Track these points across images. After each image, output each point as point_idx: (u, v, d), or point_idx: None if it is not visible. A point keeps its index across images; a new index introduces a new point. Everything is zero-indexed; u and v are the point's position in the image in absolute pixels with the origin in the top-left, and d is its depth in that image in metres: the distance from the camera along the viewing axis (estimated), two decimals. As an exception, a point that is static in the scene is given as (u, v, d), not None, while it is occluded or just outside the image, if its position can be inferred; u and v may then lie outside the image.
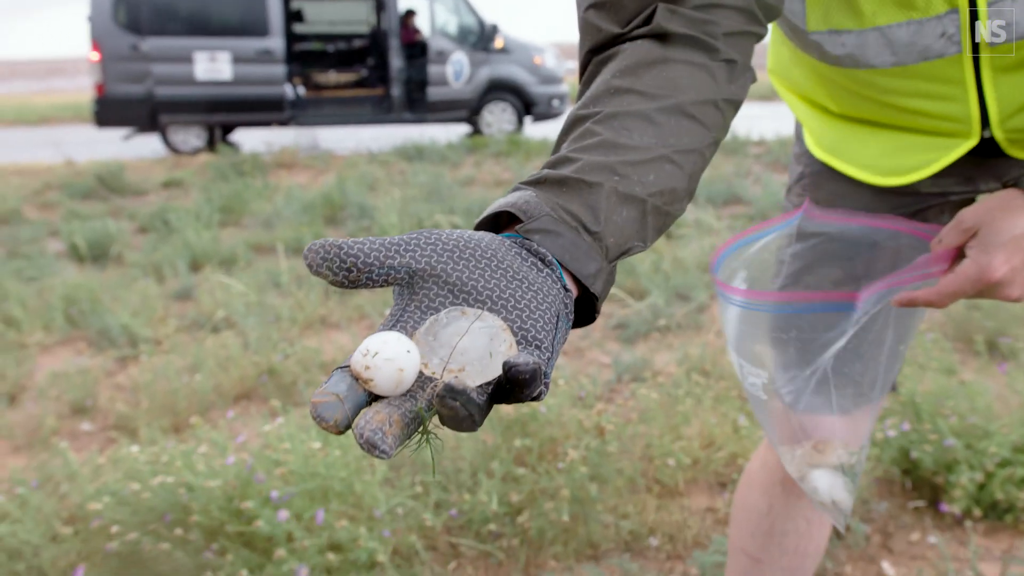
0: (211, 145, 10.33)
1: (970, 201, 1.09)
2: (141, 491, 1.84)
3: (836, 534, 1.96)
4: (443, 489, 2.02)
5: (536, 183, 0.61)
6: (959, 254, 0.88)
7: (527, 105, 10.75)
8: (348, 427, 0.47)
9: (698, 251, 4.37)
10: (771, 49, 1.14)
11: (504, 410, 2.15)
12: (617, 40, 0.70)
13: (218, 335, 3.39)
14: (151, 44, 9.86)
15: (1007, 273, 0.82)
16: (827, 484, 1.06)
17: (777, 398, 1.08)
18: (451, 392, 0.46)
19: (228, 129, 10.91)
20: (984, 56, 0.85)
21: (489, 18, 10.86)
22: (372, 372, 0.48)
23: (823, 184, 1.10)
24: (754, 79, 0.73)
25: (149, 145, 11.17)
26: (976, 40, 0.84)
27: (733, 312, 1.04)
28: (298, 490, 1.79)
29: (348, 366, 0.49)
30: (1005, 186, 1.02)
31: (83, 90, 24.22)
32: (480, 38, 10.63)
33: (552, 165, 0.62)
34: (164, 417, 2.65)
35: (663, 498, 2.11)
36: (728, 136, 8.81)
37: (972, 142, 0.93)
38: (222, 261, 4.75)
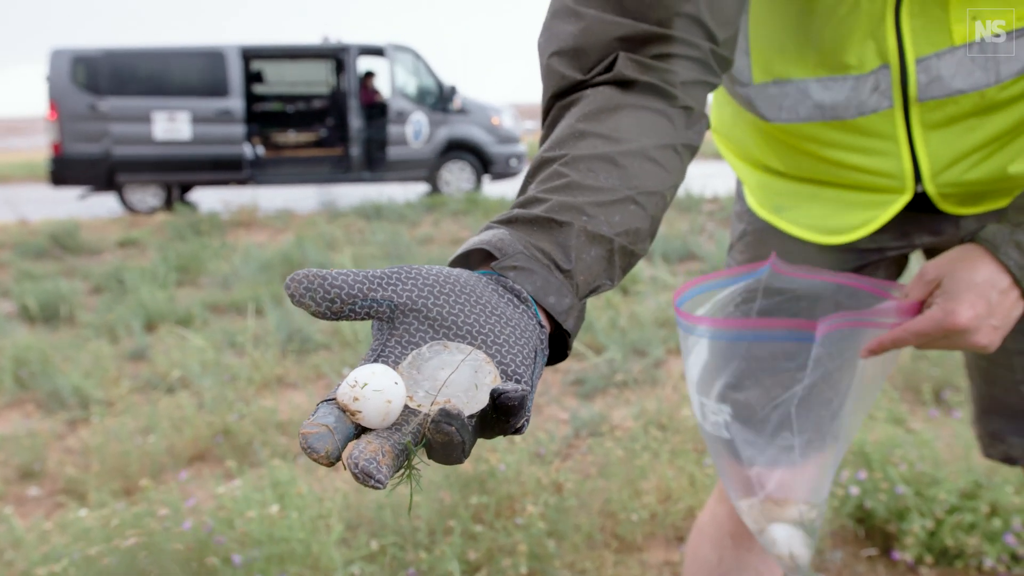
0: (168, 204, 10.28)
1: (905, 257, 1.14)
2: (98, 555, 1.80)
3: (792, 586, 1.97)
4: (400, 548, 2.00)
5: (508, 222, 0.62)
6: (921, 308, 0.91)
7: (485, 164, 10.88)
8: (338, 458, 0.47)
9: (654, 307, 4.43)
10: (714, 109, 1.19)
11: (462, 468, 2.14)
12: (580, 86, 0.73)
13: (172, 396, 3.34)
14: (109, 104, 9.86)
15: (972, 319, 0.84)
16: (785, 537, 1.06)
17: (735, 456, 1.09)
18: (447, 417, 0.46)
19: (186, 188, 10.88)
20: (914, 112, 0.90)
21: (448, 80, 11.03)
22: (361, 404, 0.47)
23: (766, 241, 1.13)
24: (708, 125, 0.77)
25: (105, 204, 11.07)
26: (907, 96, 0.89)
27: (696, 347, 1.04)
28: (260, 554, 1.76)
29: (334, 399, 0.49)
30: (946, 242, 1.06)
31: (39, 149, 24.00)
32: (439, 99, 10.79)
33: (522, 205, 0.64)
34: (115, 480, 2.60)
35: (621, 553, 2.11)
36: (682, 194, 9.01)
37: (906, 197, 0.97)
38: (178, 321, 4.69)
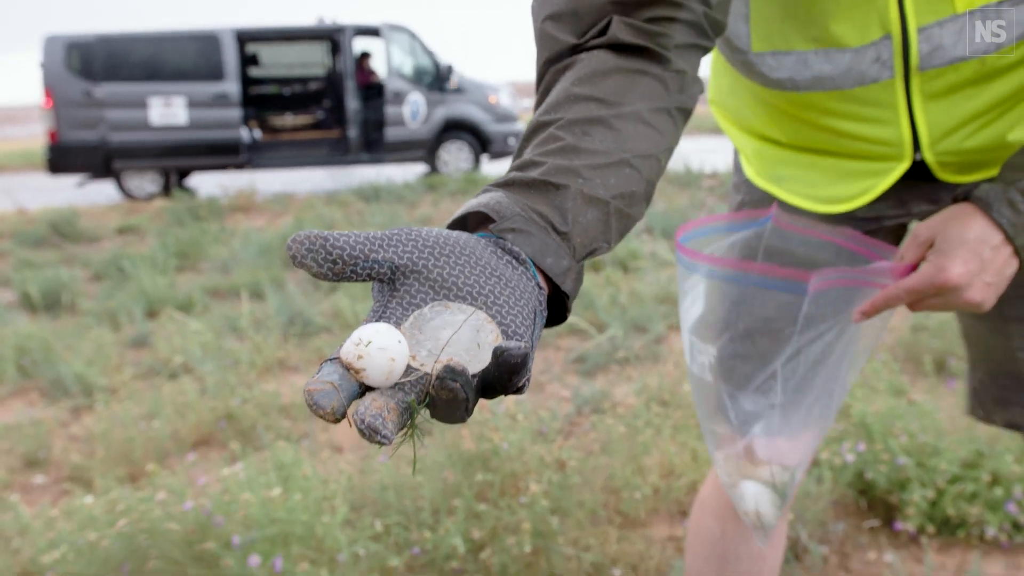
0: (167, 190, 10.26)
1: (903, 226, 1.14)
2: (98, 540, 1.81)
3: (795, 555, 1.98)
4: (404, 528, 2.01)
5: (504, 185, 0.62)
6: (916, 269, 0.90)
7: (483, 143, 10.84)
8: (344, 415, 0.47)
9: (654, 284, 4.43)
10: (712, 79, 1.18)
11: (465, 446, 2.15)
12: (573, 50, 0.73)
13: (175, 381, 3.35)
14: (105, 90, 9.82)
15: (964, 275, 0.83)
16: (754, 495, 1.07)
17: (716, 404, 1.08)
18: (451, 373, 0.46)
19: (184, 174, 10.86)
20: (914, 81, 0.89)
21: (444, 59, 10.96)
22: (365, 361, 0.48)
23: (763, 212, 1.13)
24: (702, 89, 0.77)
25: (103, 191, 11.06)
26: (908, 65, 0.88)
27: (694, 288, 1.03)
28: (259, 535, 1.77)
29: (338, 357, 0.49)
30: (952, 201, 1.06)
31: (36, 137, 23.94)
32: (436, 78, 10.73)
33: (519, 168, 0.64)
34: (120, 466, 2.61)
35: (625, 529, 2.12)
36: (681, 169, 8.98)
37: (905, 165, 0.97)
38: (179, 306, 4.70)
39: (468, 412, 0.48)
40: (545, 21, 0.74)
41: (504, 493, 2.07)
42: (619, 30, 0.71)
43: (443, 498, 2.05)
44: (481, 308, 0.53)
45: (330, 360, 0.49)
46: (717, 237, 1.07)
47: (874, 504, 2.14)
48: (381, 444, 0.46)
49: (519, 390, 0.51)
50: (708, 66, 1.22)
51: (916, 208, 1.06)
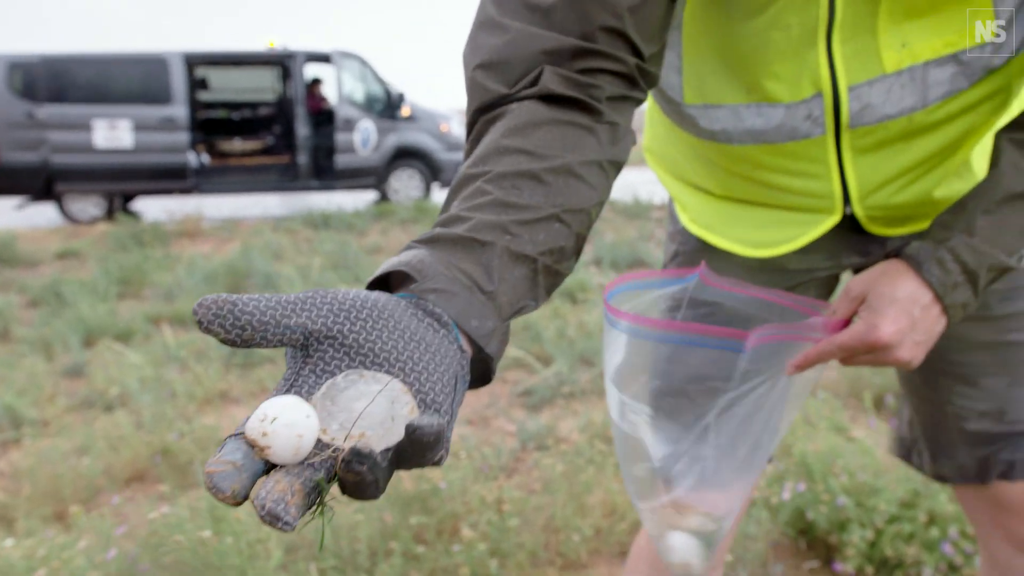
0: (110, 214, 10.06)
1: (835, 278, 1.15)
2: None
3: (735, 599, 1.98)
4: (340, 572, 1.96)
5: (428, 242, 0.60)
6: (847, 325, 0.91)
7: (434, 172, 10.82)
8: (246, 498, 0.45)
9: (602, 316, 4.43)
10: (647, 127, 1.18)
11: (404, 487, 2.11)
12: (504, 100, 0.71)
13: (110, 414, 3.25)
14: (47, 111, 9.63)
15: (894, 334, 0.83)
16: (682, 546, 1.06)
17: (645, 458, 1.07)
18: (358, 456, 0.44)
19: (129, 198, 10.66)
20: (844, 137, 0.90)
21: (396, 87, 10.96)
22: (270, 439, 0.45)
23: (697, 260, 1.13)
24: (634, 141, 0.76)
25: (44, 214, 10.80)
26: (838, 122, 0.89)
27: (617, 341, 1.03)
28: (187, 580, 1.71)
29: (242, 433, 0.47)
30: (874, 263, 1.07)
31: (-25, 157, 23.35)
32: (387, 106, 10.71)
33: (444, 224, 0.62)
34: (47, 505, 2.51)
35: (566, 570, 2.10)
36: (630, 200, 9.07)
37: (836, 218, 0.98)
38: (118, 335, 4.58)
39: (380, 490, 0.46)
40: (476, 70, 0.73)
41: (442, 535, 2.04)
42: (551, 81, 0.70)
43: (380, 540, 2.01)
44: (399, 375, 0.51)
45: (234, 436, 0.47)
46: (644, 292, 1.07)
47: (814, 544, 2.15)
48: (283, 531, 0.44)
49: (436, 463, 0.49)
50: (643, 114, 1.22)
51: (847, 260, 1.07)
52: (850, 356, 0.88)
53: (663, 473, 1.05)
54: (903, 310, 0.84)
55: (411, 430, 0.46)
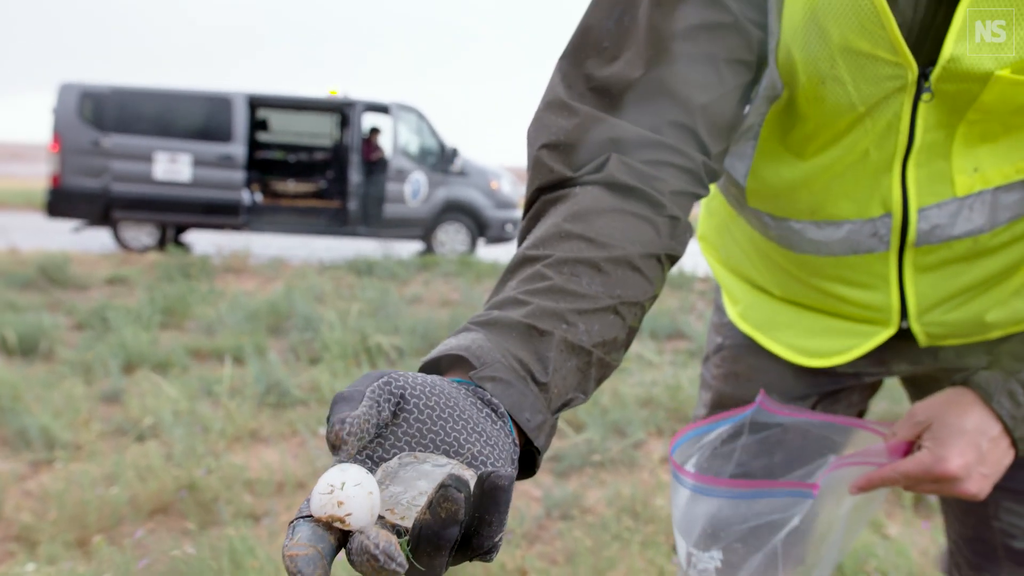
0: (162, 244, 10.28)
1: (880, 383, 1.13)
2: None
3: None
4: (355, 627, 1.94)
5: (485, 324, 0.60)
6: (911, 448, 0.89)
7: (481, 227, 10.92)
8: None
9: (638, 386, 4.39)
10: (703, 216, 1.17)
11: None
12: (567, 183, 0.71)
13: (141, 444, 3.28)
14: (113, 140, 9.94)
15: (961, 467, 0.82)
16: None
17: None
18: (457, 481, 0.44)
19: (181, 229, 10.90)
20: (908, 255, 0.89)
21: (450, 141, 11.14)
22: (347, 505, 0.44)
23: (742, 357, 1.12)
24: (691, 235, 0.75)
25: (98, 239, 11.06)
26: (904, 240, 0.87)
27: (683, 496, 1.02)
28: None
29: (308, 515, 0.45)
30: (922, 371, 1.05)
31: (38, 178, 24.09)
32: (440, 159, 10.89)
33: (500, 305, 0.61)
34: (71, 531, 2.52)
35: (583, 647, 2.05)
36: (674, 271, 9.04)
37: (891, 331, 0.96)
38: (157, 364, 4.64)
39: (451, 552, 0.45)
40: (541, 149, 0.73)
41: (462, 599, 2.01)
42: (616, 169, 0.69)
43: (398, 598, 1.98)
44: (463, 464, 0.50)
45: (303, 519, 0.45)
46: (705, 435, 1.06)
47: (841, 644, 2.08)
48: (395, 573, 0.43)
49: (491, 551, 0.48)
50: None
51: (896, 368, 1.05)
52: (914, 484, 0.86)
53: None
54: (971, 442, 0.82)
55: (484, 476, 0.45)
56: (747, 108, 0.79)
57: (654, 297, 0.70)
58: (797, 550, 1.01)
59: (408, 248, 11.69)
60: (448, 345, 0.58)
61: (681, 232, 0.73)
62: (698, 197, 0.75)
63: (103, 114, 9.96)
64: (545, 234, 0.67)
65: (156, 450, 3.06)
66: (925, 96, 0.76)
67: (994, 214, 0.84)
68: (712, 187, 1.09)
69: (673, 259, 0.73)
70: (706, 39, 0.72)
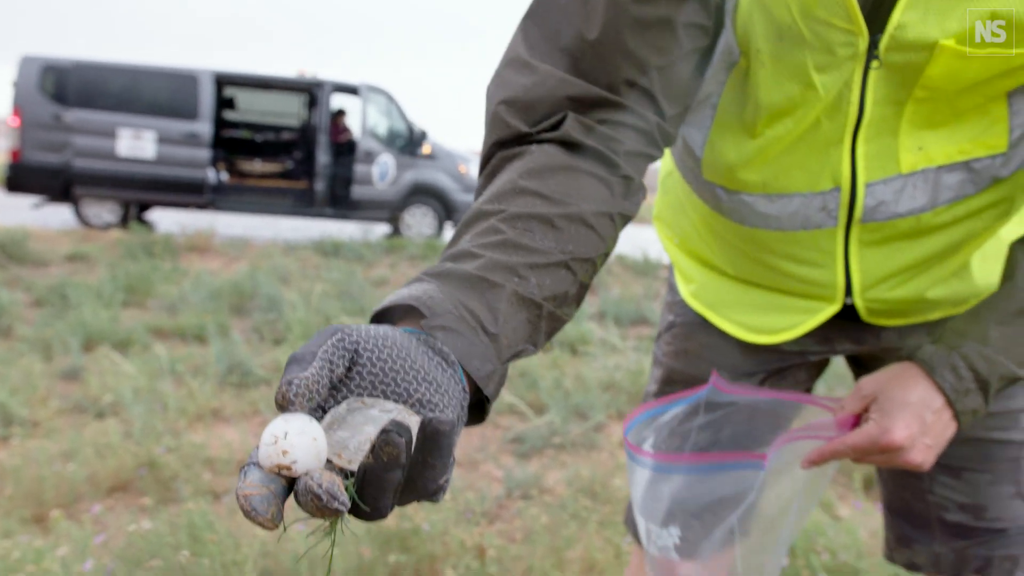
0: (124, 222, 10.13)
1: (826, 362, 1.16)
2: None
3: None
4: (313, 602, 1.95)
5: (438, 276, 0.61)
6: (858, 421, 0.92)
7: (449, 211, 10.89)
8: (281, 520, 0.45)
9: (600, 370, 4.43)
10: (659, 195, 1.19)
11: (385, 523, 2.11)
12: (524, 139, 0.73)
13: (101, 421, 3.25)
14: (75, 116, 9.75)
15: (906, 438, 0.85)
16: None
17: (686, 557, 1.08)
18: (397, 428, 0.46)
19: (144, 207, 10.75)
20: (854, 231, 0.92)
21: (419, 124, 11.06)
22: (292, 453, 0.45)
23: (693, 335, 1.14)
24: (645, 196, 0.77)
25: (59, 215, 10.88)
26: (851, 216, 0.90)
27: (642, 476, 1.05)
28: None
29: (256, 463, 0.47)
30: (866, 351, 1.09)
31: (-2, 153, 23.57)
32: (408, 142, 10.83)
33: (454, 258, 0.63)
34: (27, 507, 2.51)
35: (539, 623, 2.08)
36: (639, 257, 9.08)
37: (835, 308, 0.99)
38: (118, 343, 4.59)
39: (388, 507, 0.47)
40: (499, 104, 0.74)
41: (419, 575, 2.03)
42: (573, 128, 0.71)
43: (356, 574, 2.00)
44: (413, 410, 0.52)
45: (253, 465, 0.47)
46: (659, 416, 1.09)
47: (790, 621, 2.13)
48: (338, 512, 0.45)
49: (433, 497, 0.50)
50: (655, 173, 1.23)
51: (840, 346, 1.08)
52: (862, 456, 0.89)
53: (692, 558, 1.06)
54: (915, 414, 0.85)
55: (427, 421, 0.47)
56: (706, 72, 0.81)
57: (606, 254, 0.72)
58: (753, 523, 1.04)
59: (375, 230, 11.64)
60: (400, 295, 0.59)
61: (634, 192, 0.75)
62: (652, 158, 0.77)
63: (66, 88, 9.77)
64: (500, 189, 0.68)
65: (115, 428, 3.04)
66: (874, 63, 0.78)
67: (935, 193, 0.87)
68: (669, 164, 1.12)
69: (626, 218, 0.74)
70: (664, 2, 0.73)
